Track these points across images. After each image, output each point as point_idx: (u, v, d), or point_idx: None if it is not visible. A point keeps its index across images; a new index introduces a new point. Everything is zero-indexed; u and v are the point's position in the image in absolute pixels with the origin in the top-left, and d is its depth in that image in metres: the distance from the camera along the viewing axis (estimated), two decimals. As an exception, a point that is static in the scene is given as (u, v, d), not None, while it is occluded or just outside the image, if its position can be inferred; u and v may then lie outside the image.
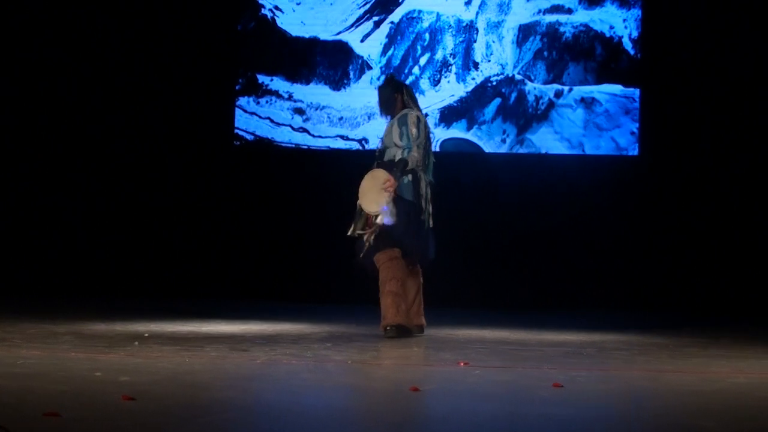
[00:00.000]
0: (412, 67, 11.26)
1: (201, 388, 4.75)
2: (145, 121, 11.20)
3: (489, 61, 11.21)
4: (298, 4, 11.41)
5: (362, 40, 11.35)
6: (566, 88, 11.11)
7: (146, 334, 7.08)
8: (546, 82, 11.17)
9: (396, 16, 11.40)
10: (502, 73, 11.20)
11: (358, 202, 7.25)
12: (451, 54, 11.27)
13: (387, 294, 7.15)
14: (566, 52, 11.17)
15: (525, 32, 11.20)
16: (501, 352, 6.57)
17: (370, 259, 7.25)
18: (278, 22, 11.45)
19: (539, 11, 11.20)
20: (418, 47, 11.32)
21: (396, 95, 7.44)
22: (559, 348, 6.88)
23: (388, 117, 7.45)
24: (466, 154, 11.07)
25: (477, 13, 11.25)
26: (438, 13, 11.32)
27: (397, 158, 7.21)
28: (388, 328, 7.19)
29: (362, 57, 11.33)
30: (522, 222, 10.83)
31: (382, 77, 8.46)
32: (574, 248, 10.78)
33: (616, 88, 11.05)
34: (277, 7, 11.41)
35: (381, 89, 7.55)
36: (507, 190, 10.88)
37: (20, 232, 11.06)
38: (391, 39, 11.34)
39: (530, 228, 10.80)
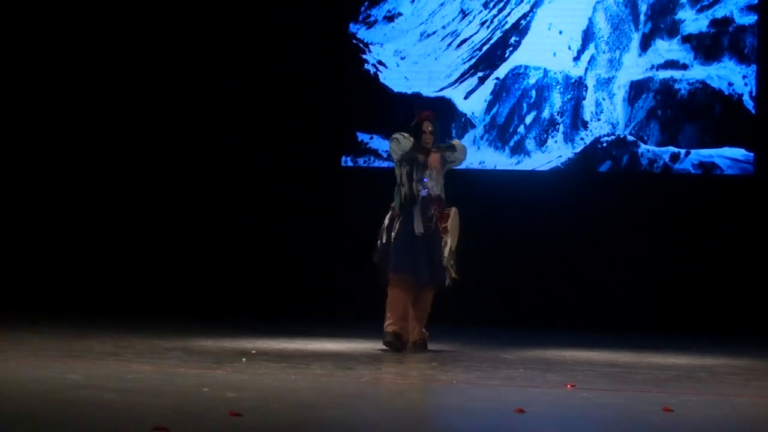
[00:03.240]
0: (517, 126, 11.08)
1: (306, 406, 4.87)
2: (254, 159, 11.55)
3: (599, 120, 11.01)
4: (403, 58, 11.36)
5: (466, 97, 11.26)
6: (683, 150, 10.83)
7: (253, 351, 7.31)
8: (660, 144, 10.90)
9: (501, 71, 11.22)
10: (612, 133, 10.97)
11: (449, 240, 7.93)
12: (558, 112, 11.08)
13: None
14: (682, 111, 10.88)
15: (637, 89, 10.98)
16: (609, 375, 6.61)
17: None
18: (381, 77, 11.40)
19: (652, 67, 10.96)
20: (524, 105, 11.16)
21: None
22: (668, 371, 6.93)
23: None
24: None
25: (586, 69, 11.04)
26: (545, 69, 11.14)
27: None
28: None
29: (465, 114, 11.22)
30: (620, 243, 10.89)
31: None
32: (684, 271, 10.78)
33: (738, 152, 10.76)
34: (380, 62, 11.37)
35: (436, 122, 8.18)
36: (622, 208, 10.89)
37: (134, 253, 11.47)
38: (496, 96, 11.18)
39: (631, 250, 10.82)
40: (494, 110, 11.19)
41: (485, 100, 11.29)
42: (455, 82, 11.36)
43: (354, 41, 11.57)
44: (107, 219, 11.51)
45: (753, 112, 10.72)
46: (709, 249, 10.83)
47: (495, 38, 11.43)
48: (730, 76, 10.87)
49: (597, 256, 10.96)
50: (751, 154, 10.80)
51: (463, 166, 8.55)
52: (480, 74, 11.33)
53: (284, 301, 11.24)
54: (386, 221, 7.98)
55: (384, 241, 7.91)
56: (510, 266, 10.94)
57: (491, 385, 6.00)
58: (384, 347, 7.74)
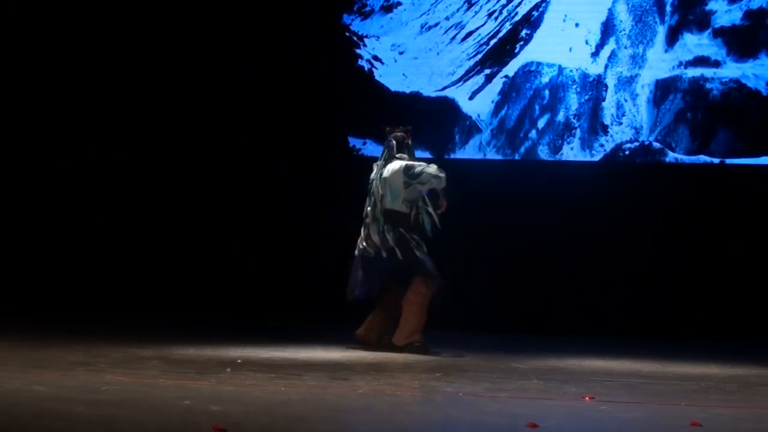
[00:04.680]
0: (528, 131, 10.78)
1: (297, 420, 4.83)
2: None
3: (620, 123, 10.67)
4: (401, 53, 11.03)
5: (471, 97, 10.89)
6: (716, 160, 10.47)
7: (239, 360, 7.21)
8: (690, 152, 10.53)
9: (511, 69, 10.87)
10: (636, 139, 10.64)
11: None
12: (575, 115, 10.74)
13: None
14: (714, 115, 10.51)
15: (663, 89, 10.59)
16: (631, 386, 6.56)
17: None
18: (376, 74, 11.08)
19: (680, 64, 10.57)
20: (536, 106, 10.83)
21: None
22: (696, 382, 6.88)
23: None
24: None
25: (606, 67, 10.69)
26: (560, 66, 10.78)
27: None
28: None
29: (470, 117, 10.91)
30: (640, 243, 10.72)
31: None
32: (714, 273, 10.62)
33: (779, 162, 10.33)
34: (376, 57, 11.06)
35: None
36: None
37: (104, 250, 11.38)
38: (505, 96, 10.85)
39: (653, 251, 10.69)
40: (503, 112, 10.87)
41: (492, 101, 10.93)
42: (459, 80, 11.00)
43: (347, 33, 11.23)
44: (74, 215, 11.41)
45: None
46: (739, 250, 10.61)
47: (504, 31, 11.05)
48: (768, 74, 10.52)
49: (616, 257, 10.73)
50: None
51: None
52: (487, 71, 10.97)
53: (274, 306, 11.03)
54: (407, 240, 8.52)
55: (420, 256, 8.46)
56: (522, 267, 10.76)
57: (501, 398, 5.95)
58: (409, 352, 8.19)
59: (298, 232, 11.13)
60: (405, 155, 8.63)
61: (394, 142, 8.66)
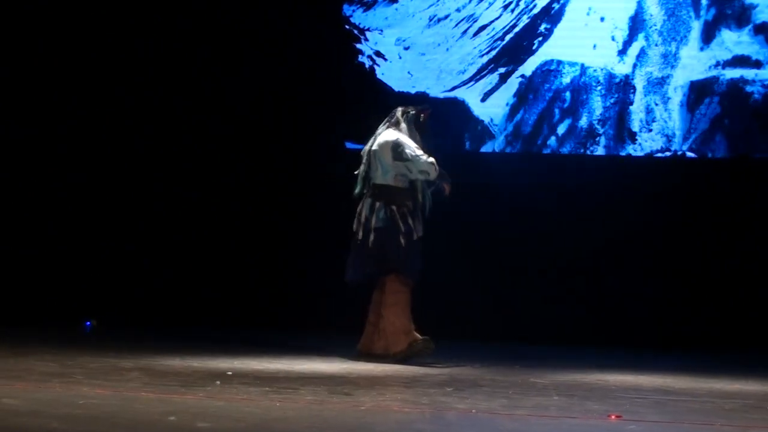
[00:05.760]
0: (547, 137, 10.57)
1: None
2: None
3: (650, 130, 10.47)
4: (406, 48, 10.87)
5: (483, 99, 10.73)
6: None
7: (229, 372, 7.21)
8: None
9: (528, 68, 10.71)
10: (667, 148, 10.42)
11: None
12: (599, 120, 10.55)
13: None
14: (755, 120, 10.32)
15: (698, 92, 10.41)
16: (662, 404, 6.54)
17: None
18: (378, 72, 10.92)
19: (717, 64, 10.40)
20: (556, 110, 10.65)
21: None
22: (734, 400, 6.77)
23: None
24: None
25: (634, 66, 10.50)
26: (583, 66, 10.60)
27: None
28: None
29: (482, 121, 10.73)
30: (669, 250, 10.67)
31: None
32: (755, 283, 10.57)
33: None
34: (378, 53, 10.90)
35: None
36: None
37: (81, 252, 11.39)
38: (521, 98, 10.68)
39: (683, 258, 10.64)
40: (518, 116, 10.71)
41: (507, 104, 10.78)
42: (470, 79, 10.85)
43: (347, 26, 11.07)
44: (48, 219, 11.48)
45: None
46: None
47: (521, 25, 10.90)
48: (815, 76, 10.31)
49: (645, 263, 10.66)
50: None
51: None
52: (501, 70, 10.81)
53: (268, 313, 11.06)
54: (394, 223, 8.37)
55: (403, 244, 8.33)
56: (541, 272, 10.71)
57: (519, 415, 5.87)
58: (410, 357, 8.24)
59: (295, 236, 11.10)
60: (403, 129, 8.43)
61: (398, 113, 8.49)
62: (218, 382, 6.60)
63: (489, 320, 10.27)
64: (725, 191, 10.56)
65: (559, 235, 10.62)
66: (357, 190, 8.53)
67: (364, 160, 8.52)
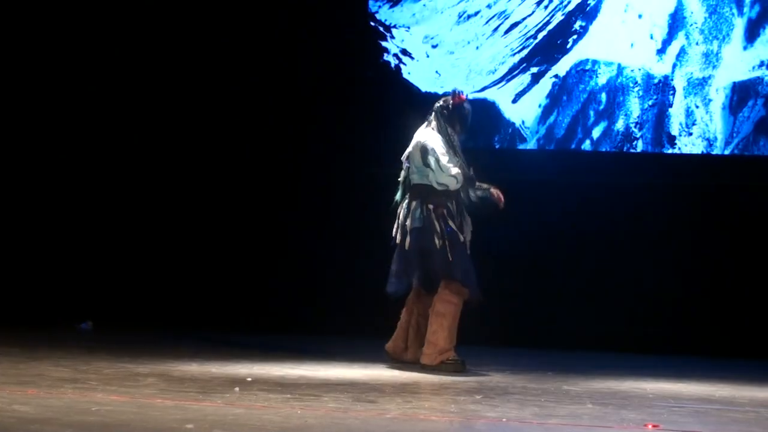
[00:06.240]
0: (581, 140, 10.45)
1: None
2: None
3: (690, 134, 10.29)
4: (434, 47, 10.74)
5: (515, 100, 10.60)
6: None
7: (249, 379, 7.21)
8: None
9: (562, 67, 10.54)
10: (709, 153, 10.26)
11: None
12: (636, 123, 10.39)
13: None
14: None
15: (742, 93, 10.18)
16: (702, 413, 6.52)
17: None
18: (405, 72, 10.78)
19: (762, 64, 10.19)
20: (591, 113, 10.50)
21: None
22: None
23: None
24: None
25: (674, 66, 10.30)
26: (620, 66, 10.42)
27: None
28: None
29: (513, 123, 10.60)
30: (700, 252, 10.54)
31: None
32: None
33: None
34: (405, 52, 10.79)
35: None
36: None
37: (94, 253, 11.41)
38: (554, 99, 10.53)
39: (716, 259, 10.51)
40: (551, 119, 10.56)
41: (540, 105, 10.62)
42: (501, 79, 10.70)
43: (372, 23, 10.95)
44: (62, 219, 11.49)
45: None
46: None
47: (555, 22, 10.71)
48: None
49: (687, 264, 10.51)
50: None
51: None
52: (534, 70, 10.65)
53: (289, 316, 11.04)
54: (430, 222, 8.16)
55: (439, 246, 8.10)
56: (574, 276, 10.61)
57: (551, 425, 5.84)
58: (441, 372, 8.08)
59: (315, 240, 11.08)
60: (435, 127, 8.22)
61: (434, 110, 8.29)
62: (237, 389, 6.58)
63: (517, 325, 10.21)
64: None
65: (591, 235, 10.51)
66: (398, 196, 8.34)
67: (404, 166, 8.34)
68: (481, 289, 8.17)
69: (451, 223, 8.10)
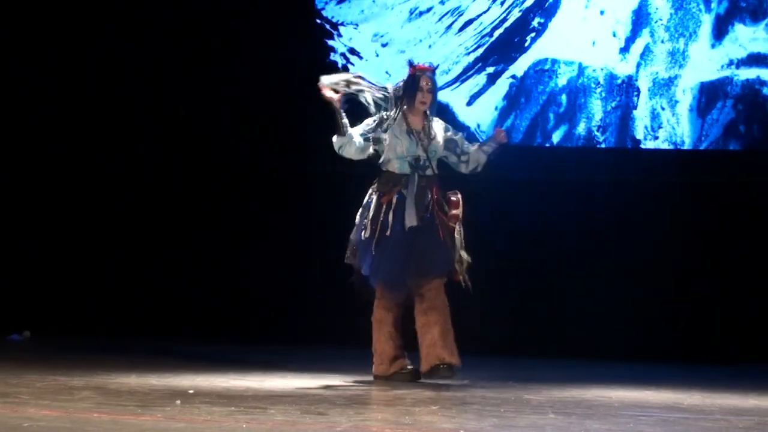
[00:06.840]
0: (541, 144, 10.38)
1: None
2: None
3: (656, 137, 10.25)
4: (384, 45, 10.66)
5: (470, 102, 10.55)
6: None
7: (191, 391, 7.08)
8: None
9: (520, 67, 10.51)
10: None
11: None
12: (599, 126, 10.33)
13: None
14: None
15: (710, 94, 10.17)
16: (670, 422, 6.41)
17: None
18: (353, 71, 10.56)
19: (731, 63, 10.15)
20: (551, 115, 10.46)
21: None
22: (749, 417, 6.65)
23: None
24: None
25: (638, 66, 10.29)
26: (581, 65, 10.39)
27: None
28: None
29: (468, 127, 10.49)
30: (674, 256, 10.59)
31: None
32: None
33: None
34: (353, 51, 10.70)
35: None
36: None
37: (27, 259, 11.43)
38: (512, 101, 10.48)
39: (713, 266, 10.60)
40: (509, 121, 10.53)
41: (496, 107, 10.61)
42: (455, 80, 10.67)
43: (318, 20, 10.88)
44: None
45: None
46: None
47: (512, 19, 10.71)
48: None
49: (653, 271, 10.59)
50: None
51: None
52: (490, 70, 10.64)
53: (233, 324, 11.10)
54: (373, 208, 7.74)
55: (368, 234, 7.76)
56: (538, 279, 10.72)
57: None
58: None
59: (265, 243, 11.15)
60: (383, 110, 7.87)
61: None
62: (178, 402, 6.41)
63: (473, 333, 9.95)
64: (746, 212, 10.52)
65: (555, 239, 10.55)
66: None
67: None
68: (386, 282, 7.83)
69: (371, 212, 7.70)
